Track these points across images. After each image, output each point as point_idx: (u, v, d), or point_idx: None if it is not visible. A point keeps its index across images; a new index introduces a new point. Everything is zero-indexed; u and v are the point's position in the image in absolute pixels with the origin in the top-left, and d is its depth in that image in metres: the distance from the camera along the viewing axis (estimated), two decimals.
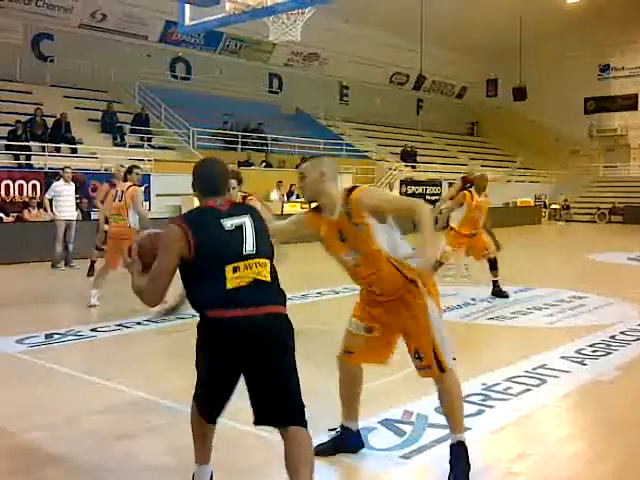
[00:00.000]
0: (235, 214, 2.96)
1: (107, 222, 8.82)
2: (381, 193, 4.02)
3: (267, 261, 2.94)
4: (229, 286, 2.80)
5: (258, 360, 2.81)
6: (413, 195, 23.51)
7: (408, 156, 26.75)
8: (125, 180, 8.44)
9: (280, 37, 7.13)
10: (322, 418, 3.85)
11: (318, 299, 8.93)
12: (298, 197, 19.17)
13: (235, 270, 2.82)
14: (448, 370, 3.38)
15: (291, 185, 19.42)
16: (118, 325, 7.06)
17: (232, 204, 3.06)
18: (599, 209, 28.33)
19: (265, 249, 2.96)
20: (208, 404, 3.01)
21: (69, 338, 6.55)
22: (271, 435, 3.21)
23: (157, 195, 16.33)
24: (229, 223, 2.91)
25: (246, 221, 2.95)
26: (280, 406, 2.86)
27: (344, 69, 28.05)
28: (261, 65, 25.96)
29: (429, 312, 3.35)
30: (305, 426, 2.88)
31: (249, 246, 2.90)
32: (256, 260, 2.89)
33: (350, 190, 3.34)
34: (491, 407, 4.48)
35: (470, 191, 8.87)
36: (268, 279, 2.90)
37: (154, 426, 4.19)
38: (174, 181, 16.48)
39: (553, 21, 29.12)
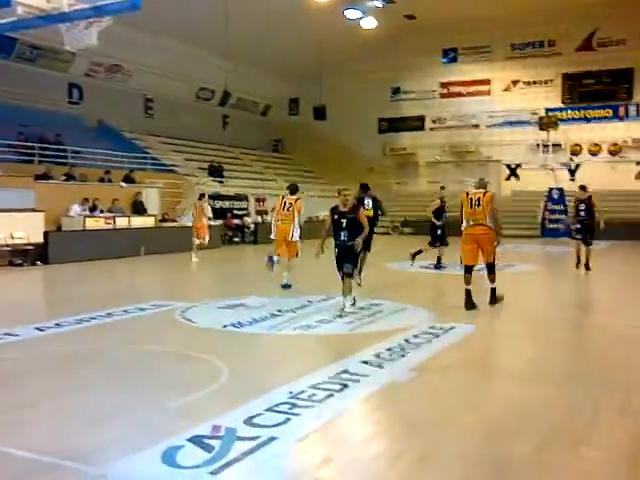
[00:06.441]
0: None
1: None
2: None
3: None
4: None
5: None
6: (221, 209, 23.81)
7: (215, 171, 26.80)
8: None
9: (76, 45, 6.80)
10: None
11: (124, 317, 8.60)
12: (102, 212, 18.33)
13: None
14: None
15: (94, 199, 18.47)
16: None
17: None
18: (393, 222, 30.33)
19: None
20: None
21: None
22: None
23: None
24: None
25: None
26: None
27: (149, 82, 27.38)
28: (60, 74, 24.50)
29: None
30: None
31: None
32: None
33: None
34: (297, 415, 4.60)
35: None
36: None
37: None
38: None
39: (350, 46, 31.00)
